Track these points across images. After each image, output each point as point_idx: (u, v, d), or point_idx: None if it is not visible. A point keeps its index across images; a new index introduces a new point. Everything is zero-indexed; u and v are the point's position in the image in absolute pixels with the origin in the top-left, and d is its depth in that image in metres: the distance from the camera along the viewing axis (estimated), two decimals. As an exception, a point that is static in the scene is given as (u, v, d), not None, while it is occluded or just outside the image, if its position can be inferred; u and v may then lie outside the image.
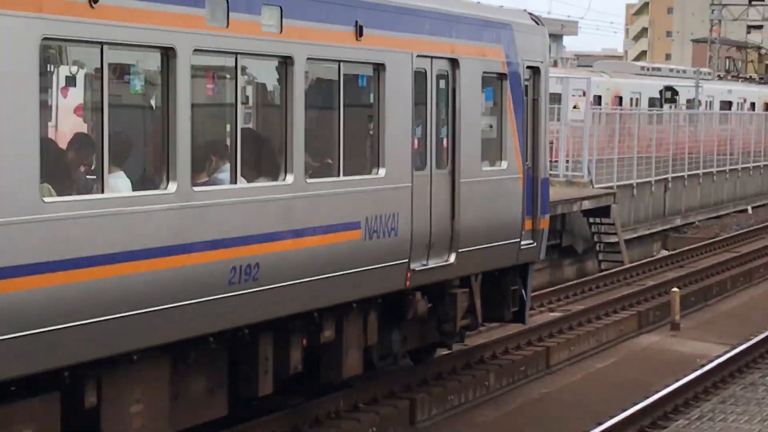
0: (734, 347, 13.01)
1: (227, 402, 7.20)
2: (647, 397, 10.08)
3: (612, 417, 9.24)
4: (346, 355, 8.47)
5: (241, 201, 6.80)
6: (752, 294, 19.75)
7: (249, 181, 7.09)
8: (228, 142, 7.20)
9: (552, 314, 15.19)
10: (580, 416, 10.08)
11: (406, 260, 8.66)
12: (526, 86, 10.95)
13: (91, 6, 5.29)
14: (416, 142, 9.05)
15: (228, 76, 7.31)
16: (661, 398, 10.13)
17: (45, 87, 5.56)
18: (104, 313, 5.38)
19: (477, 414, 10.43)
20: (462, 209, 9.54)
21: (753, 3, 58.63)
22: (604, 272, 20.58)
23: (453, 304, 9.69)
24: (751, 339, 13.43)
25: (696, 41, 73.25)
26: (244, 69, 7.28)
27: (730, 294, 19.35)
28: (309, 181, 7.55)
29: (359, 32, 8.15)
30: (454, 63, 9.58)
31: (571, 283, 19.07)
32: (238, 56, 6.92)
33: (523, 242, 10.74)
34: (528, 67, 10.91)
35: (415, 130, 9.01)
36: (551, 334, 13.44)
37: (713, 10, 57.52)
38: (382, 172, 8.45)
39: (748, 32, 71.38)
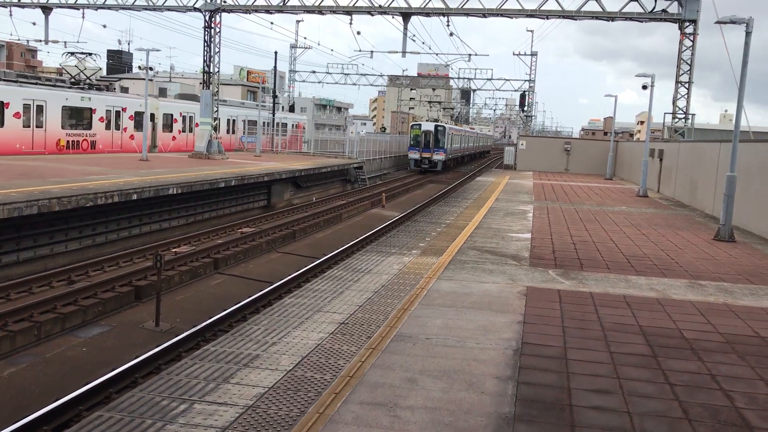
0: (404, 212, 35.90)
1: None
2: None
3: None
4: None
5: None
6: (410, 196, 44.49)
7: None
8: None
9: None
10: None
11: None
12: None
13: None
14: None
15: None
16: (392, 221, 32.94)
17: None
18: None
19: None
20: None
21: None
22: (358, 188, 44.30)
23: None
24: (408, 210, 36.72)
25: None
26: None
27: (402, 194, 43.98)
28: None
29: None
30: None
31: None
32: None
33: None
34: None
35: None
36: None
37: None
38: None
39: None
